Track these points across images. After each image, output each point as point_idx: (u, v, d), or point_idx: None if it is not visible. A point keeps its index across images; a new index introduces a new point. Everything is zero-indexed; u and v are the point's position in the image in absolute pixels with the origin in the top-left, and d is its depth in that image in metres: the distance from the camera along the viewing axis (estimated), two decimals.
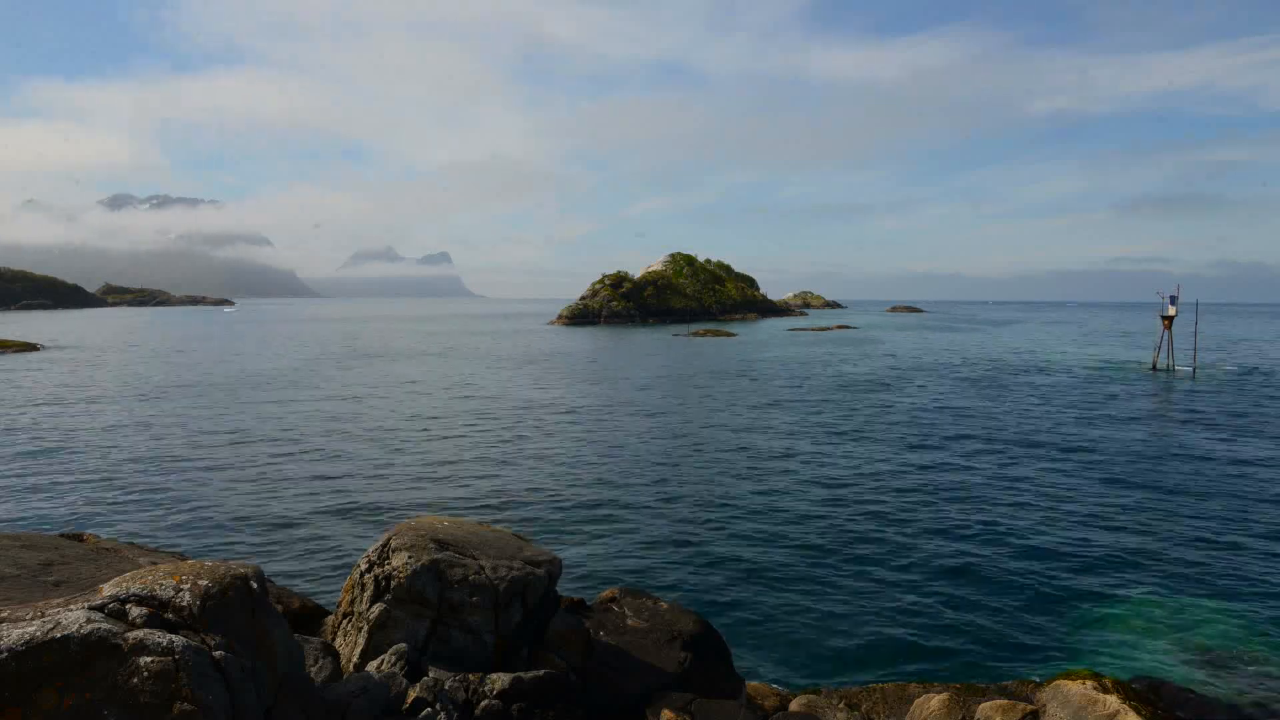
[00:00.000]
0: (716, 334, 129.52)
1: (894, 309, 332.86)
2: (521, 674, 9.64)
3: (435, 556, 10.32)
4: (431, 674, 9.31)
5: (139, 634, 6.32)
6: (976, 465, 31.31)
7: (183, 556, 11.61)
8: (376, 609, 10.05)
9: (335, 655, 9.72)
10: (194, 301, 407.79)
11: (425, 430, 39.02)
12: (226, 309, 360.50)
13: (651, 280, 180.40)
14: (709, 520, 23.84)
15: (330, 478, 28.72)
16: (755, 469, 30.77)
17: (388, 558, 10.37)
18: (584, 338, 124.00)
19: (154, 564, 8.19)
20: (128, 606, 6.59)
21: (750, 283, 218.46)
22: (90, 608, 6.44)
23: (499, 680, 9.42)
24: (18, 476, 28.40)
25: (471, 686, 9.32)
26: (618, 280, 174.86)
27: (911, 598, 17.97)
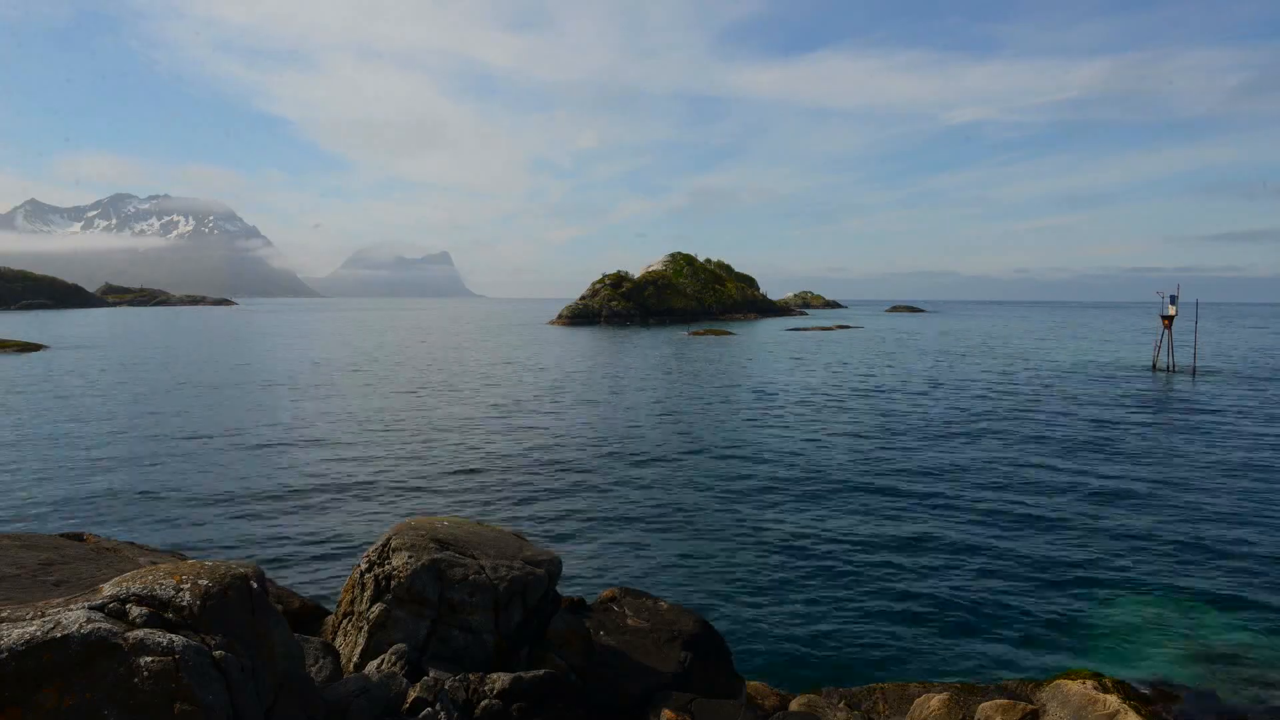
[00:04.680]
0: (715, 334, 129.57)
1: (894, 309, 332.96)
2: (522, 674, 9.64)
3: (435, 556, 10.32)
4: (431, 674, 9.31)
5: (139, 634, 6.32)
6: (975, 465, 31.31)
7: (183, 556, 11.61)
8: (376, 609, 10.06)
9: (335, 655, 9.72)
10: (194, 301, 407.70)
11: (425, 429, 39.02)
12: (225, 308, 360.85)
13: (651, 280, 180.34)
14: (709, 520, 23.84)
15: (330, 478, 28.72)
16: (754, 469, 30.76)
17: (388, 557, 10.38)
18: (584, 337, 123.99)
19: (154, 564, 8.19)
20: (128, 606, 6.59)
21: (750, 282, 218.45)
22: (90, 607, 6.44)
23: (499, 680, 9.42)
24: (18, 476, 28.41)
25: (471, 686, 9.33)
26: (618, 280, 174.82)
27: (912, 597, 17.97)
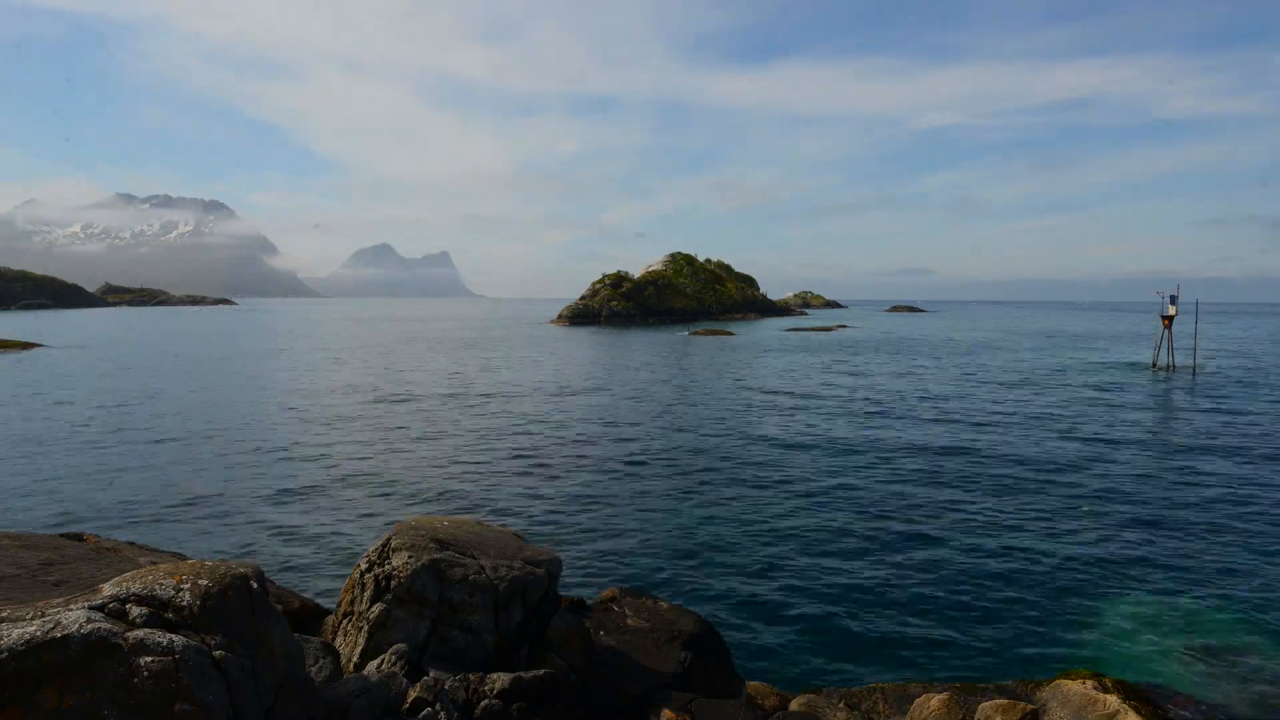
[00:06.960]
0: (715, 334, 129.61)
1: (893, 309, 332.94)
2: (522, 674, 9.64)
3: (435, 556, 10.32)
4: (431, 674, 9.31)
5: (139, 634, 6.31)
6: (976, 464, 31.31)
7: (183, 556, 11.61)
8: (376, 609, 10.05)
9: (335, 655, 9.71)
10: (194, 302, 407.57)
11: (425, 430, 39.02)
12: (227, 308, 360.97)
13: (652, 280, 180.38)
14: (709, 520, 23.84)
15: (330, 478, 28.73)
16: (755, 469, 30.76)
17: (388, 557, 10.37)
18: (585, 337, 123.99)
19: (154, 564, 8.19)
20: (128, 606, 6.58)
21: (750, 282, 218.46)
22: (90, 607, 6.43)
23: (499, 680, 9.42)
24: (18, 476, 28.40)
25: (472, 686, 9.32)
26: (618, 280, 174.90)
27: (912, 598, 17.96)
